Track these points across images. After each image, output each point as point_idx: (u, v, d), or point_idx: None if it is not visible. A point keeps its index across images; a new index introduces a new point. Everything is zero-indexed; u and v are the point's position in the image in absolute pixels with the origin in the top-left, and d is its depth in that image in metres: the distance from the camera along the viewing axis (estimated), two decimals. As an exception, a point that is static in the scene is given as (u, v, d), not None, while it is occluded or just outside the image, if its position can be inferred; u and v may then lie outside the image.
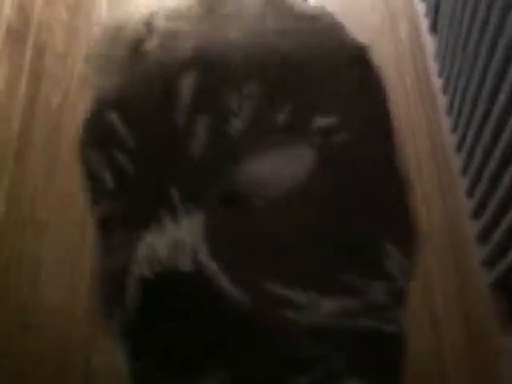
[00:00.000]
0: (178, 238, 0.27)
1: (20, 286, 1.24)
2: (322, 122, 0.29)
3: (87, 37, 1.41)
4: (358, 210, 0.30)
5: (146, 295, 0.27)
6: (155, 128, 0.28)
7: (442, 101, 1.44)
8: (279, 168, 0.28)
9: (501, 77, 1.07)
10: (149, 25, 0.30)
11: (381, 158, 0.32)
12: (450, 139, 1.38)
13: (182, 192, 0.28)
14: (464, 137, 1.28)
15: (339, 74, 0.31)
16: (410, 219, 0.35)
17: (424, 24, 1.59)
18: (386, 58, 1.49)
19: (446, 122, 1.41)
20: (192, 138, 0.28)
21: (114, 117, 0.29)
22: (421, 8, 1.63)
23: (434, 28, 1.54)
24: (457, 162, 1.34)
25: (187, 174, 0.28)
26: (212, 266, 0.26)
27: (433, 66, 1.51)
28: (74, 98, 1.41)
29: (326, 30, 0.32)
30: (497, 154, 1.09)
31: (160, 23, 0.30)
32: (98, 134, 0.31)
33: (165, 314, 0.27)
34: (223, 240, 0.27)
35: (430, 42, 1.55)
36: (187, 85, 0.28)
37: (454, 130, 1.36)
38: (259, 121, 0.28)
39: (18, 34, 1.25)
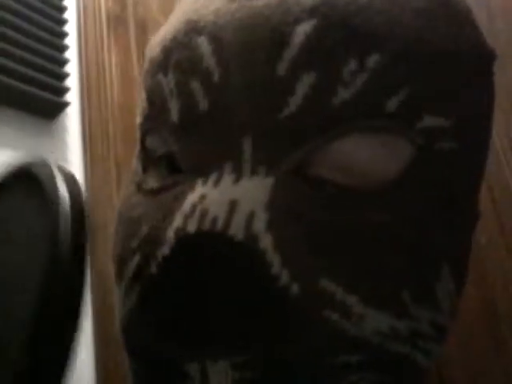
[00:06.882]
0: (235, 198, 0.23)
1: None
2: (430, 121, 0.25)
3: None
4: (433, 223, 0.26)
5: (181, 251, 0.23)
6: (251, 71, 0.24)
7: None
8: (372, 157, 0.25)
9: None
10: None
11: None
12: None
13: (255, 148, 0.24)
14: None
15: (465, 75, 0.27)
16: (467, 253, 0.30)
17: None
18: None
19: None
20: (288, 94, 0.24)
21: (202, 42, 0.26)
22: None
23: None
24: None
25: (269, 130, 0.24)
26: (266, 240, 0.23)
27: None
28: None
29: (460, 20, 0.28)
30: None
31: None
32: (178, 57, 0.26)
33: (194, 279, 0.23)
34: (288, 216, 0.23)
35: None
36: (301, 34, 0.24)
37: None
38: (367, 99, 0.24)
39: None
